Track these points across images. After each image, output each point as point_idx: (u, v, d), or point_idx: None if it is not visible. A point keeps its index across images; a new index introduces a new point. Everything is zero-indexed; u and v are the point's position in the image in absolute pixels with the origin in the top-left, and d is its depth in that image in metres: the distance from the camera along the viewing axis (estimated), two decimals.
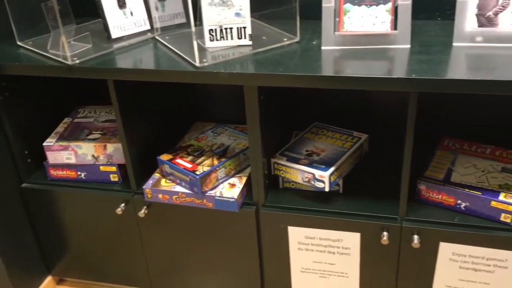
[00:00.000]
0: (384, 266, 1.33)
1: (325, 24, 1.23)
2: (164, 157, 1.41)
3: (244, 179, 1.40)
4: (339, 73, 1.13)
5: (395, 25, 1.21)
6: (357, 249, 1.32)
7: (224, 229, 1.42)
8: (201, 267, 1.53)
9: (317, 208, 1.33)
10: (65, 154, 1.47)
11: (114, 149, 1.45)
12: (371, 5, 1.21)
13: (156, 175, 1.43)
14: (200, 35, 1.25)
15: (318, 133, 1.48)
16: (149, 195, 1.39)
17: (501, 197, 1.22)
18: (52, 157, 1.48)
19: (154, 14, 1.41)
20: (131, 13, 1.39)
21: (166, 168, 1.40)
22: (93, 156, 1.47)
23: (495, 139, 1.42)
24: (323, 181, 1.29)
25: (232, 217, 1.38)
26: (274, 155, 1.37)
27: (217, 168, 1.36)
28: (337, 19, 1.23)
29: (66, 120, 1.60)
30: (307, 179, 1.32)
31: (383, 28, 1.22)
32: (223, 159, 1.39)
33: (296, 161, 1.34)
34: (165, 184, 1.40)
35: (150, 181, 1.41)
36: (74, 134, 1.51)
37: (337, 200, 1.36)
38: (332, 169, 1.30)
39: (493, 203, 1.22)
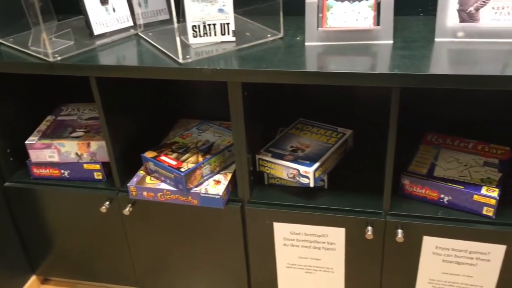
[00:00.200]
0: (368, 260, 1.34)
1: (308, 20, 1.23)
2: (149, 154, 1.41)
3: (229, 176, 1.39)
4: (322, 69, 1.13)
5: (377, 21, 1.21)
6: (342, 244, 1.33)
7: (210, 226, 1.42)
8: (187, 264, 1.52)
9: (302, 204, 1.34)
10: (48, 152, 1.46)
11: (98, 147, 1.44)
12: (353, 1, 1.21)
13: (141, 172, 1.43)
14: (184, 32, 1.25)
15: (303, 129, 1.48)
16: (134, 193, 1.38)
17: (483, 190, 1.23)
18: (35, 155, 1.47)
19: (137, 10, 1.40)
20: (114, 10, 1.38)
21: (151, 165, 1.39)
22: (76, 154, 1.46)
23: (477, 133, 1.44)
24: (308, 177, 1.29)
25: (218, 214, 1.38)
26: (259, 151, 1.37)
27: (202, 165, 1.36)
28: (320, 15, 1.23)
29: (49, 118, 1.58)
30: (292, 175, 1.32)
31: (365, 23, 1.22)
32: (208, 156, 1.39)
33: (281, 157, 1.34)
34: (149, 181, 1.39)
35: (135, 179, 1.40)
36: (57, 132, 1.50)
37: (322, 196, 1.36)
38: (316, 165, 1.30)
39: (475, 197, 1.23)
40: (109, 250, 1.56)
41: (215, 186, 1.36)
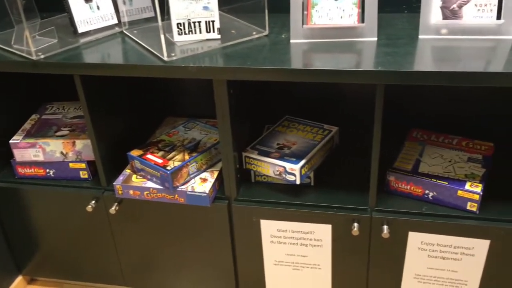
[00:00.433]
0: (355, 256, 1.35)
1: (293, 17, 1.23)
2: (135, 152, 1.40)
3: (215, 174, 1.39)
4: (307, 66, 1.13)
5: (362, 18, 1.22)
6: (329, 240, 1.34)
7: (197, 224, 1.42)
8: (174, 262, 1.52)
9: (289, 201, 1.34)
10: (32, 152, 1.44)
11: (83, 146, 1.43)
12: None
13: (127, 171, 1.42)
14: (168, 29, 1.24)
15: (289, 126, 1.49)
16: (120, 192, 1.38)
17: (467, 186, 1.24)
18: (19, 154, 1.45)
19: (122, 8, 1.39)
20: (98, 7, 1.37)
21: (137, 164, 1.39)
22: (61, 153, 1.45)
23: (462, 130, 1.45)
24: (294, 174, 1.29)
25: (204, 212, 1.38)
26: (245, 149, 1.37)
27: (188, 163, 1.36)
28: (305, 12, 1.23)
29: (33, 116, 1.57)
30: (278, 172, 1.32)
31: (350, 21, 1.22)
32: (194, 154, 1.39)
33: (267, 154, 1.35)
34: (136, 180, 1.38)
35: (121, 177, 1.39)
36: (41, 131, 1.49)
37: (309, 193, 1.37)
38: (303, 162, 1.30)
39: (460, 193, 1.24)
40: (96, 249, 1.56)
41: (201, 184, 1.36)
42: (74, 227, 1.53)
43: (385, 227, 1.27)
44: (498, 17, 1.18)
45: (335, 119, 1.50)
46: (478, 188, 1.23)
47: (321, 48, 1.21)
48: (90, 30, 1.36)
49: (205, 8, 1.24)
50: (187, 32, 1.25)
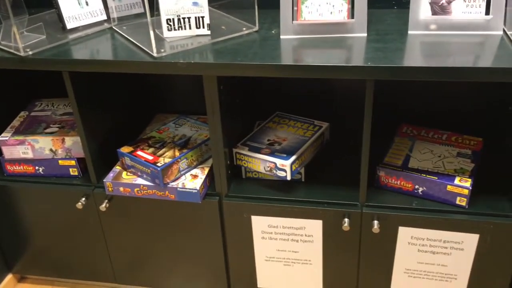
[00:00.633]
0: (346, 252, 1.36)
1: (283, 13, 1.23)
2: (125, 149, 1.39)
3: (206, 170, 1.39)
4: (297, 62, 1.13)
5: (352, 14, 1.22)
6: (320, 236, 1.34)
7: (188, 220, 1.42)
8: (166, 259, 1.52)
9: (280, 197, 1.34)
10: (21, 149, 1.43)
11: (73, 143, 1.42)
12: None
13: (117, 168, 1.41)
14: (158, 25, 1.24)
15: (280, 122, 1.49)
16: (110, 189, 1.37)
17: (457, 181, 1.25)
18: (8, 152, 1.44)
19: (111, 3, 1.38)
20: (87, 3, 1.36)
21: (127, 160, 1.38)
22: (51, 150, 1.44)
23: (451, 125, 1.46)
24: (284, 170, 1.30)
25: (195, 208, 1.38)
26: (236, 145, 1.37)
27: (179, 160, 1.35)
28: (295, 8, 1.23)
29: (22, 113, 1.56)
30: (269, 168, 1.32)
31: (340, 17, 1.23)
32: (184, 150, 1.38)
33: (258, 150, 1.34)
34: (126, 176, 1.38)
35: (111, 174, 1.39)
36: (30, 128, 1.47)
37: (299, 189, 1.37)
38: (293, 158, 1.30)
39: (449, 187, 1.25)
40: (86, 246, 1.55)
41: (192, 180, 1.35)
42: (64, 225, 1.52)
43: (376, 222, 1.27)
44: (487, 13, 1.19)
45: (325, 115, 1.50)
46: (468, 183, 1.24)
47: (311, 44, 1.21)
48: (79, 26, 1.35)
49: (195, 3, 1.23)
50: (176, 28, 1.25)
